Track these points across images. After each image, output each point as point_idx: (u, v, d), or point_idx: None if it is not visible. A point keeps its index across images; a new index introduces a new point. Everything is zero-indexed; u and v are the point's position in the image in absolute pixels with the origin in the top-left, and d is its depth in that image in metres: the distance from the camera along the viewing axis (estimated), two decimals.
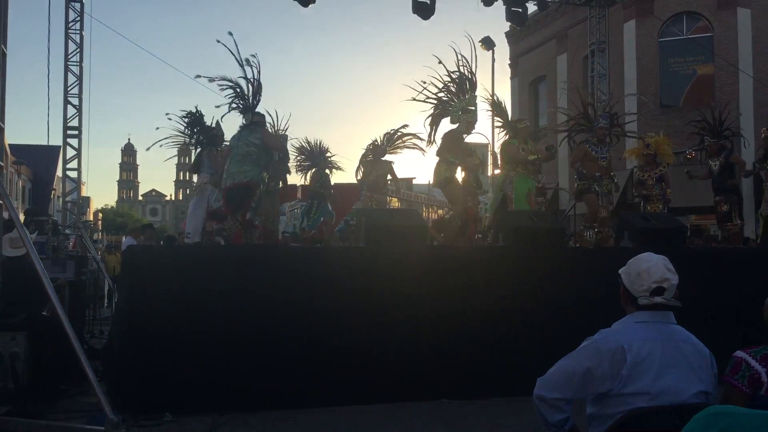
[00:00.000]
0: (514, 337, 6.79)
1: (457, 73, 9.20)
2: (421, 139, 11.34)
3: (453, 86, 9.20)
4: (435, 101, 9.25)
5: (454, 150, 9.13)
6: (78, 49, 15.63)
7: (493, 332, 6.78)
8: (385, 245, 6.96)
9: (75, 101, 15.60)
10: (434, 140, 9.35)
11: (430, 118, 9.31)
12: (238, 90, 8.89)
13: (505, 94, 30.87)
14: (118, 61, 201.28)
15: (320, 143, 12.40)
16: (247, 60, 8.80)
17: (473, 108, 9.18)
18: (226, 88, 8.89)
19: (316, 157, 12.23)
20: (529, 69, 27.07)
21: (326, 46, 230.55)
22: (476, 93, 9.32)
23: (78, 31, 15.64)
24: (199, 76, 9.24)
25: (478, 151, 10.52)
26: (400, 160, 11.10)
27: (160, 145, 10.40)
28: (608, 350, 2.57)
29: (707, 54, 20.40)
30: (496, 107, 10.52)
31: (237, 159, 8.78)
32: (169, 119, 10.15)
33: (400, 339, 6.57)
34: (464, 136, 9.33)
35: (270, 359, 6.30)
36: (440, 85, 9.19)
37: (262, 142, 8.82)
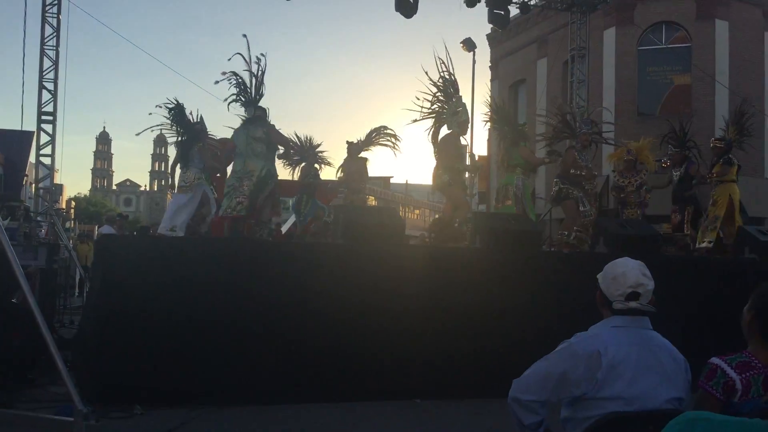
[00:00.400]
0: (489, 338, 6.81)
1: (441, 80, 9.46)
2: (397, 138, 11.45)
3: (440, 95, 9.46)
4: (433, 116, 9.52)
5: (456, 154, 9.39)
6: (54, 33, 15.42)
7: (468, 333, 6.80)
8: (362, 243, 6.95)
9: (50, 86, 15.39)
10: (436, 150, 9.52)
11: (431, 133, 9.55)
12: (242, 84, 9.08)
13: (484, 96, 30.96)
14: (95, 48, 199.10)
15: (310, 138, 12.38)
16: (257, 58, 9.14)
17: (461, 108, 9.42)
18: (230, 79, 9.09)
19: (306, 152, 12.20)
20: (510, 72, 27.19)
21: (309, 42, 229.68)
22: (460, 94, 9.56)
23: (55, 15, 15.42)
24: (218, 83, 9.23)
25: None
26: (377, 159, 11.11)
27: (152, 131, 10.33)
28: (584, 354, 2.58)
29: (685, 64, 20.65)
30: (501, 112, 10.68)
31: (242, 156, 8.91)
32: (159, 107, 10.01)
33: (374, 337, 6.56)
34: (460, 138, 9.60)
35: (243, 354, 6.26)
36: (430, 98, 9.46)
37: (268, 137, 8.94)
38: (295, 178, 12.63)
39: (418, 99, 9.50)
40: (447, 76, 9.48)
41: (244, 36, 9.14)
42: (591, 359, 2.56)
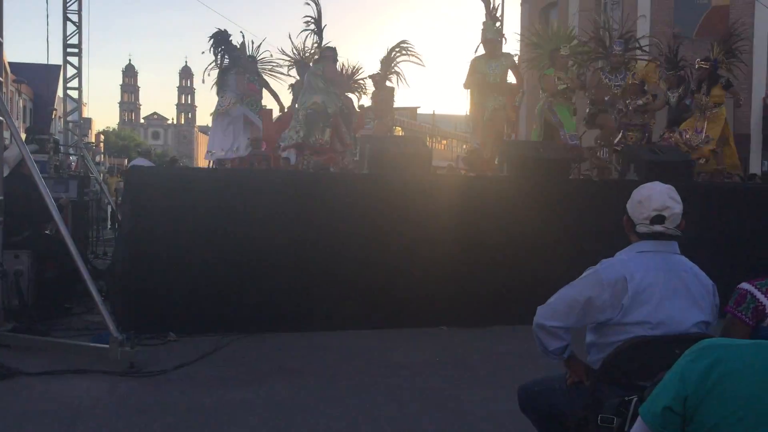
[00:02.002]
0: (515, 266, 6.82)
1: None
2: (416, 55, 11.18)
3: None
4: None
5: (476, 75, 9.25)
6: None
7: (495, 261, 6.81)
8: (388, 172, 6.92)
9: (74, 18, 15.26)
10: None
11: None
12: (314, 19, 9.73)
13: (515, 20, 30.11)
14: None
15: (353, 68, 12.12)
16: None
17: (484, 28, 9.32)
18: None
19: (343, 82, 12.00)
20: None
21: None
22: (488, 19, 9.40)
23: None
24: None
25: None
26: (404, 90, 10.96)
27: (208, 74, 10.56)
28: (610, 280, 2.56)
29: None
30: (540, 39, 10.41)
31: (304, 91, 9.42)
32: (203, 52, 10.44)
33: (401, 266, 6.61)
34: (489, 58, 9.36)
35: (273, 283, 6.35)
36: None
37: (324, 73, 9.30)
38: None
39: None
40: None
41: None
42: (617, 285, 2.55)
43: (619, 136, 9.82)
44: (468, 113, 9.90)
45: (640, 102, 9.95)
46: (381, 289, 6.56)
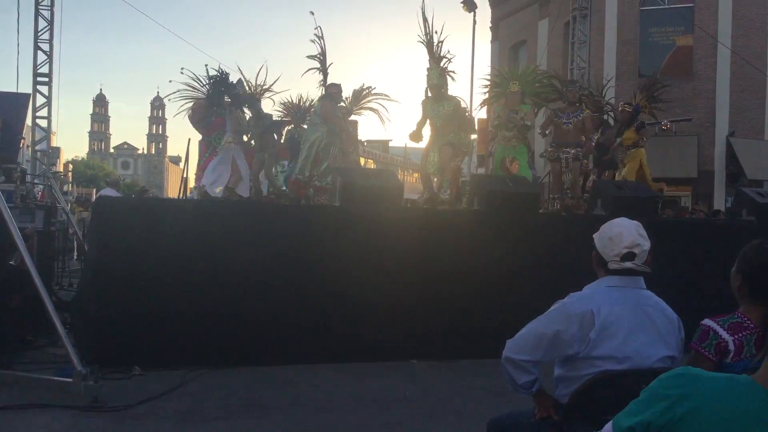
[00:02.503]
0: (485, 299, 6.84)
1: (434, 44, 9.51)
2: (388, 99, 11.36)
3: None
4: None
5: (428, 113, 9.40)
6: None
7: (465, 294, 6.83)
8: (360, 205, 6.94)
9: (46, 47, 15.20)
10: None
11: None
12: (319, 57, 10.05)
13: (485, 57, 30.67)
14: (91, 8, 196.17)
15: (303, 99, 12.19)
16: (318, 36, 10.01)
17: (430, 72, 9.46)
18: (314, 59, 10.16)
19: (297, 113, 12.07)
20: (511, 33, 26.87)
21: (306, 3, 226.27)
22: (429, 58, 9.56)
23: None
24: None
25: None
26: (376, 122, 11.07)
27: (177, 91, 10.71)
28: (577, 314, 2.59)
29: (687, 25, 20.38)
30: (501, 81, 10.67)
31: (309, 126, 9.94)
32: (182, 73, 10.59)
33: (372, 299, 6.59)
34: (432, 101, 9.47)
35: (241, 316, 6.29)
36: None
37: (320, 112, 9.63)
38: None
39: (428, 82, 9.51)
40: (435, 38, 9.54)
41: (312, 13, 9.96)
42: (584, 319, 2.58)
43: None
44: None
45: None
46: (351, 323, 6.53)
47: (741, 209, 8.67)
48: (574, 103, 10.03)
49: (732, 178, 19.77)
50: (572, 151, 9.83)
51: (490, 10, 28.21)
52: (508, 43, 26.94)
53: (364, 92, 11.44)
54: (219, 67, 10.30)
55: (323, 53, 10.15)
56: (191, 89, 10.73)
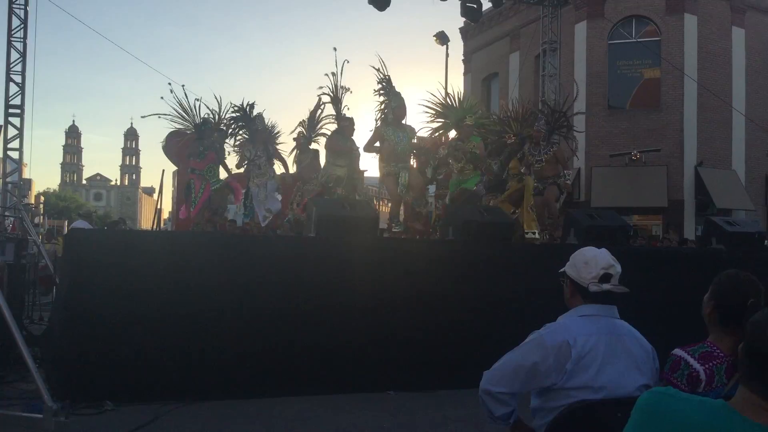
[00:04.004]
0: (461, 329, 6.86)
1: (382, 80, 9.98)
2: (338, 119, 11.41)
3: (383, 98, 9.92)
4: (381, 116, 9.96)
5: (380, 142, 9.76)
6: (22, 25, 15.12)
7: (441, 325, 6.84)
8: (335, 236, 6.95)
9: (18, 79, 15.09)
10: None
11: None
12: (331, 92, 10.34)
13: (458, 89, 31.08)
14: (64, 40, 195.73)
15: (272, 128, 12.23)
16: (333, 72, 10.33)
17: (395, 96, 9.82)
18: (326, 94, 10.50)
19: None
20: (482, 65, 27.28)
21: (283, 32, 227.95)
22: (393, 85, 10.00)
23: (23, 6, 15.11)
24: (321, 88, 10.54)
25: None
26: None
27: (159, 117, 11.01)
28: (554, 345, 2.61)
29: (655, 58, 20.88)
30: (446, 109, 10.86)
31: (327, 160, 10.14)
32: (171, 90, 10.89)
33: (347, 330, 6.57)
34: (400, 121, 9.84)
35: (214, 349, 6.23)
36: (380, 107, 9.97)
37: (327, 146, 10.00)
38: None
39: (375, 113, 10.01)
40: (383, 77, 10.00)
41: (335, 49, 10.22)
42: (560, 350, 2.59)
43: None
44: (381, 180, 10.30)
45: None
46: (327, 354, 6.50)
47: (711, 238, 8.83)
48: (538, 142, 10.22)
49: (701, 207, 20.12)
50: (549, 182, 10.05)
51: (462, 43, 28.66)
52: (481, 75, 27.33)
53: (317, 119, 11.47)
54: (243, 102, 10.83)
55: (337, 89, 10.40)
56: (180, 118, 10.99)
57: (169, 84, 10.98)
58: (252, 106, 10.91)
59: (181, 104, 11.01)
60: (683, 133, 20.62)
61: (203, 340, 6.20)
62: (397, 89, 9.95)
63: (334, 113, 10.49)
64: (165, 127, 11.30)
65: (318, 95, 11.00)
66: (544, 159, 10.06)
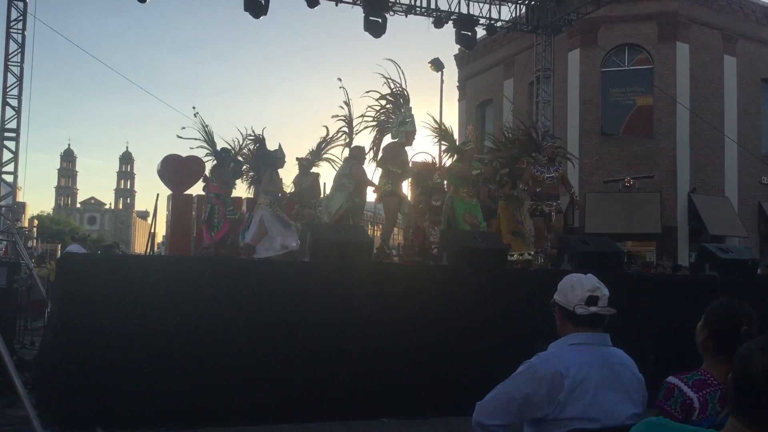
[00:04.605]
0: (455, 357, 6.83)
1: (390, 92, 10.03)
2: (342, 144, 11.45)
3: (389, 105, 10.02)
4: (375, 124, 10.11)
5: (394, 160, 9.70)
6: (19, 50, 15.18)
7: (435, 352, 6.81)
8: (330, 261, 6.94)
9: (14, 102, 15.12)
10: (378, 158, 10.08)
11: (373, 141, 10.14)
12: (346, 120, 10.53)
13: (453, 115, 31.25)
14: (60, 64, 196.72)
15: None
16: (345, 102, 10.57)
17: (409, 119, 9.87)
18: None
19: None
20: (477, 92, 27.50)
21: (280, 60, 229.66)
22: (410, 105, 10.05)
23: (20, 31, 15.20)
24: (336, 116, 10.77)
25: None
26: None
27: (178, 136, 11.23)
28: (546, 375, 2.59)
29: (647, 86, 21.09)
30: (443, 134, 10.89)
31: (333, 189, 10.20)
32: (195, 114, 11.24)
33: (341, 356, 6.54)
34: (406, 147, 10.00)
35: (207, 374, 6.18)
36: (378, 109, 10.11)
37: (352, 174, 10.03)
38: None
39: (364, 113, 10.18)
40: (397, 89, 10.01)
41: (339, 80, 10.42)
42: (553, 381, 2.57)
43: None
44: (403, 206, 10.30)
45: None
46: (320, 380, 6.45)
47: (704, 264, 8.85)
48: (552, 159, 10.27)
49: (695, 233, 20.20)
50: (554, 204, 10.03)
51: (457, 70, 28.91)
52: (475, 101, 27.55)
53: (326, 142, 11.56)
54: (262, 133, 11.09)
55: (350, 118, 10.59)
56: (206, 144, 11.23)
57: (194, 108, 11.34)
58: (262, 138, 11.17)
59: (204, 129, 11.26)
60: (676, 160, 20.76)
61: (197, 366, 6.15)
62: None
63: (348, 141, 10.67)
64: (160, 152, 11.52)
65: (325, 126, 11.36)
66: (555, 176, 10.10)
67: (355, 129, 10.61)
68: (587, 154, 20.62)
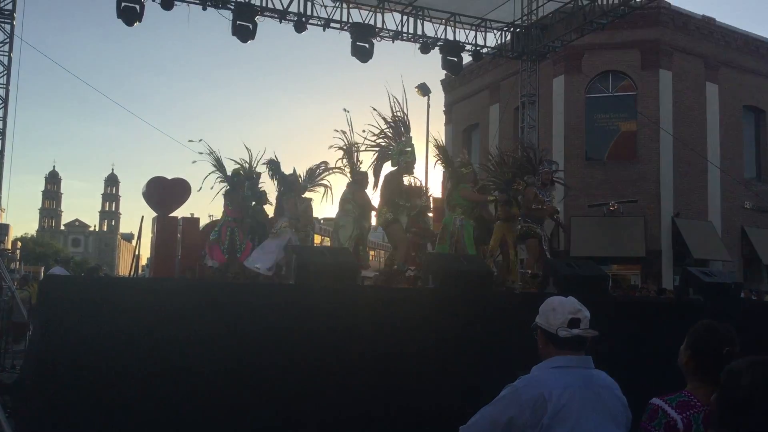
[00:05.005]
0: (441, 379, 6.80)
1: (392, 118, 9.88)
2: (342, 171, 11.39)
3: (389, 131, 9.88)
4: (376, 148, 9.97)
5: (397, 191, 9.72)
6: (5, 72, 15.19)
7: (420, 374, 6.78)
8: (314, 283, 6.92)
9: None
10: (377, 185, 10.06)
11: (373, 166, 10.04)
12: (348, 149, 10.48)
13: (440, 139, 31.38)
14: (46, 86, 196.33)
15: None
16: (343, 131, 10.46)
17: (410, 149, 9.82)
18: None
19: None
20: (463, 117, 27.72)
21: (265, 84, 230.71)
22: (410, 134, 9.98)
23: (6, 53, 15.21)
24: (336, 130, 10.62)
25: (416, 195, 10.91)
26: (330, 199, 11.42)
27: (214, 179, 11.38)
28: (529, 399, 2.59)
29: (631, 111, 21.36)
30: (443, 152, 10.95)
31: (339, 214, 10.21)
32: (200, 140, 11.46)
33: (326, 380, 6.49)
34: (405, 176, 10.02)
35: (192, 401, 6.10)
36: (377, 132, 9.96)
37: (354, 197, 10.08)
38: None
39: (363, 131, 10.08)
40: (399, 115, 9.89)
41: (345, 110, 10.59)
42: (536, 404, 2.58)
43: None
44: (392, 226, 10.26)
45: None
46: (302, 404, 6.40)
47: (688, 288, 8.90)
48: (547, 184, 10.39)
49: (679, 257, 20.35)
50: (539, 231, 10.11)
51: (443, 95, 29.14)
52: (461, 126, 27.75)
53: (320, 169, 11.59)
54: (275, 156, 11.29)
55: (350, 147, 10.58)
56: (217, 170, 11.38)
57: (199, 140, 11.64)
58: (276, 162, 11.32)
59: (214, 156, 11.41)
60: (660, 185, 20.97)
61: (179, 392, 6.07)
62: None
63: (348, 167, 10.64)
64: (146, 174, 11.55)
65: (324, 161, 11.46)
66: (550, 200, 10.19)
67: (355, 155, 10.60)
68: (572, 179, 20.81)
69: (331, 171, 11.44)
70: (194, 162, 11.35)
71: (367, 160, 10.34)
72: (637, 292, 17.10)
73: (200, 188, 11.55)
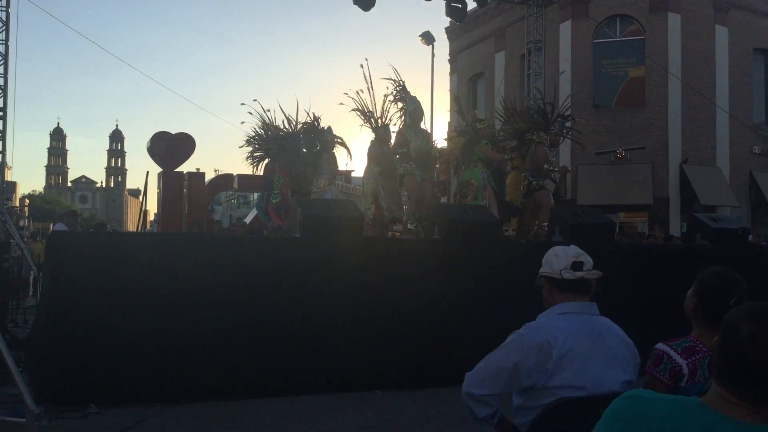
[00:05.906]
0: (447, 328, 6.86)
1: (396, 90, 10.59)
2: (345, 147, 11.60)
3: (400, 101, 10.54)
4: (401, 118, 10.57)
5: (401, 142, 10.25)
6: (4, 27, 14.99)
7: (427, 324, 6.84)
8: (321, 236, 6.92)
9: (0, 81, 14.95)
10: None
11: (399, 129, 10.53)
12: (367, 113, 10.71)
13: (444, 89, 31.04)
14: (48, 42, 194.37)
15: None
16: (366, 88, 10.70)
17: (415, 106, 10.52)
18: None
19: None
20: (468, 65, 27.33)
21: (269, 37, 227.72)
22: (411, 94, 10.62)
23: (4, 8, 14.98)
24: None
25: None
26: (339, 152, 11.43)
27: (247, 158, 11.51)
28: (534, 345, 2.60)
29: (639, 56, 21.00)
30: (458, 104, 11.25)
31: (365, 169, 10.52)
32: (250, 113, 11.30)
33: (334, 330, 6.55)
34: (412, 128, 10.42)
35: (200, 350, 6.19)
36: (397, 87, 10.63)
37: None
38: (259, 172, 12.52)
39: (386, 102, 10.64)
40: (397, 85, 10.59)
41: (363, 64, 10.72)
42: (541, 350, 2.58)
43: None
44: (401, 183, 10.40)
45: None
46: (312, 353, 6.48)
47: (695, 234, 8.88)
48: (555, 143, 10.73)
49: (686, 204, 20.26)
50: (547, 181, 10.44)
51: (448, 44, 28.70)
52: (467, 75, 27.39)
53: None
54: (313, 115, 11.16)
55: (365, 105, 10.75)
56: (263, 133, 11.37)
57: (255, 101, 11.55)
58: (318, 119, 11.21)
59: (263, 119, 11.38)
60: (668, 131, 20.75)
61: (188, 341, 6.16)
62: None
63: (368, 124, 10.81)
64: (150, 129, 11.45)
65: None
66: (556, 158, 10.37)
67: (374, 110, 10.76)
68: (579, 126, 20.62)
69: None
70: (243, 123, 11.41)
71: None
72: (645, 239, 17.08)
73: (242, 146, 11.61)
